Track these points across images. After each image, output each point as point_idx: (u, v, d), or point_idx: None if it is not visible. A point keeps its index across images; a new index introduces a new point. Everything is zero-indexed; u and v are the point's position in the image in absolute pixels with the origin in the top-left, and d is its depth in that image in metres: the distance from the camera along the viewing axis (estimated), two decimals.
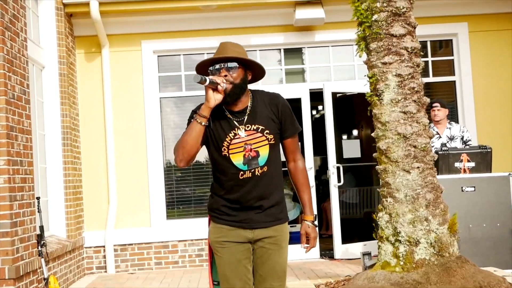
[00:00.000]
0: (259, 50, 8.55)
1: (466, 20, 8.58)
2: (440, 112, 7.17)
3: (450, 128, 7.22)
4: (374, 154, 5.66)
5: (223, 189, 3.17)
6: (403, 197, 5.32)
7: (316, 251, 8.27)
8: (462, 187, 6.27)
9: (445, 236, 5.24)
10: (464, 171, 6.42)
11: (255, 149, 3.09)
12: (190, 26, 8.28)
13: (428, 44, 8.72)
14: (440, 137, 7.16)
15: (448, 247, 5.21)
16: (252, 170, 3.09)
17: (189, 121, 3.16)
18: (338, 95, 8.30)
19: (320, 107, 12.31)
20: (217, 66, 3.09)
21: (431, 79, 8.68)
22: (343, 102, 8.66)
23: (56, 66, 7.46)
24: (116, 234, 8.01)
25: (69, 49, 7.80)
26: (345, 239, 8.07)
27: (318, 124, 9.36)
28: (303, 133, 8.35)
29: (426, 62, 8.61)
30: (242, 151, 3.08)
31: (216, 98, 3.00)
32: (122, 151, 8.19)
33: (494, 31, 8.57)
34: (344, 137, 9.86)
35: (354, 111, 9.21)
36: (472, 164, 6.42)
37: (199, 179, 8.44)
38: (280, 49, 8.63)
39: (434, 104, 7.16)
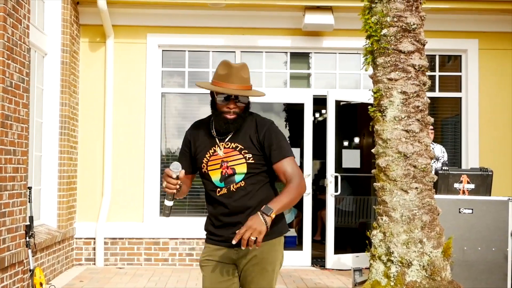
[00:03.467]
0: (265, 51, 8.45)
1: (477, 36, 8.47)
2: (432, 135, 7.02)
3: (433, 149, 7.12)
4: (373, 171, 5.56)
5: (208, 206, 3.21)
6: (399, 217, 5.23)
7: (307, 258, 8.18)
8: (459, 209, 6.18)
9: (439, 260, 5.15)
10: (463, 192, 6.33)
11: (231, 167, 3.08)
12: (197, 22, 8.18)
13: (437, 58, 8.61)
14: None
15: (440, 271, 5.13)
16: (227, 187, 3.09)
17: (181, 148, 3.28)
18: (342, 103, 8.21)
19: (323, 111, 12.22)
20: (225, 97, 3.05)
21: (437, 94, 8.58)
22: (346, 110, 8.56)
23: (59, 53, 7.37)
24: (107, 227, 7.93)
25: (73, 37, 7.71)
26: (338, 248, 7.99)
27: (320, 128, 9.25)
28: (304, 138, 8.27)
29: (433, 77, 8.51)
30: (219, 168, 3.10)
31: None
32: (119, 143, 8.10)
33: (505, 50, 8.46)
34: (345, 144, 9.77)
35: (357, 120, 9.12)
36: (472, 186, 6.32)
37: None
38: (286, 52, 8.52)
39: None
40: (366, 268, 6.07)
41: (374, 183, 5.50)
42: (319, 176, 11.52)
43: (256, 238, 2.75)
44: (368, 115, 5.61)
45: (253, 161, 3.08)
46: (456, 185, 6.32)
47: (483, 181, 6.33)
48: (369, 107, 5.55)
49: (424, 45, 5.51)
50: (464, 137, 8.43)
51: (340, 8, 7.98)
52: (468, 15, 8.29)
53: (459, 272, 5.99)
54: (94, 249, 7.94)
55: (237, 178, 3.08)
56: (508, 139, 8.35)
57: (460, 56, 8.61)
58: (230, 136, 3.11)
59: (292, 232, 9.14)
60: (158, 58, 8.26)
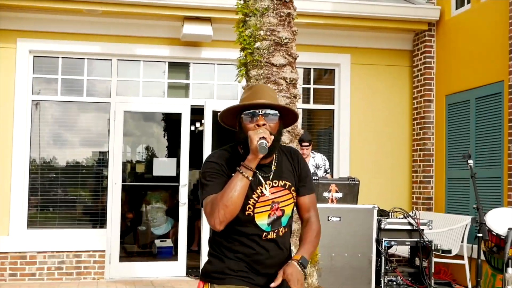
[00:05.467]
0: (143, 60, 8.37)
1: (349, 52, 8.84)
2: (308, 151, 7.13)
3: (314, 158, 7.34)
4: None
5: (239, 252, 2.72)
6: None
7: (182, 269, 8.17)
8: (328, 217, 6.41)
9: None
10: (332, 201, 6.58)
11: (281, 208, 2.73)
12: (72, 28, 7.96)
13: (312, 71, 8.89)
14: None
15: (307, 278, 5.30)
16: (276, 231, 2.73)
17: (211, 174, 2.68)
18: (219, 113, 8.27)
19: (204, 121, 12.26)
20: (253, 111, 2.66)
21: (311, 106, 8.85)
22: None
23: None
24: None
25: None
26: None
27: (201, 138, 9.28)
28: (180, 148, 8.27)
29: (308, 89, 8.79)
30: (268, 210, 2.71)
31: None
32: None
33: (374, 65, 8.89)
34: None
35: (234, 131, 9.23)
36: (340, 194, 6.58)
37: (67, 187, 8.12)
38: (165, 62, 8.48)
39: (304, 144, 6.94)
40: None
41: None
42: (198, 187, 11.54)
43: None
44: None
45: (295, 200, 2.81)
46: (325, 194, 6.55)
47: (350, 190, 6.61)
48: None
49: (295, 59, 5.69)
50: (336, 148, 8.76)
51: (219, 20, 8.06)
52: (341, 31, 8.65)
53: (328, 278, 6.20)
54: None
55: (284, 221, 2.75)
56: (375, 150, 8.78)
57: (334, 70, 8.95)
58: (273, 173, 2.75)
59: (168, 243, 9.07)
60: (28, 64, 7.93)
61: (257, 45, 5.52)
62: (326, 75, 9.19)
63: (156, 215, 9.40)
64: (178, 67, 8.59)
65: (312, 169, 7.30)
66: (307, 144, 7.07)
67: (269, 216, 2.70)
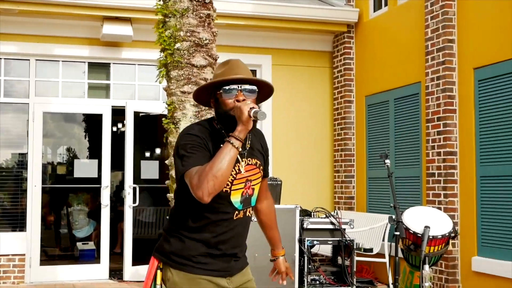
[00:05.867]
0: (62, 60, 8.17)
1: (270, 53, 8.92)
2: None
3: None
4: (167, 182, 5.63)
5: (205, 231, 2.68)
6: None
7: (105, 271, 8.04)
8: (252, 217, 6.44)
9: None
10: None
11: (252, 186, 2.72)
12: None
13: None
14: None
15: None
16: (245, 210, 2.72)
17: (193, 146, 2.59)
18: (141, 114, 8.19)
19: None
20: (232, 87, 2.62)
21: None
22: (147, 121, 8.55)
23: None
24: None
25: None
26: (137, 260, 7.94)
27: (122, 139, 9.16)
28: (102, 149, 8.14)
29: None
30: (242, 188, 2.68)
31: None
32: None
33: (295, 66, 9.01)
34: (147, 154, 9.72)
35: (157, 131, 9.16)
36: None
37: None
38: (85, 62, 8.31)
39: None
40: None
41: (168, 194, 5.56)
42: (121, 188, 11.37)
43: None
44: None
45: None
46: None
47: (273, 190, 6.67)
48: (163, 119, 5.61)
49: (216, 60, 5.69)
50: None
51: (139, 20, 7.97)
52: (262, 32, 8.72)
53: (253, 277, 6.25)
54: None
55: (253, 200, 2.76)
56: (298, 151, 8.90)
57: (255, 70, 9.01)
58: (248, 150, 2.73)
59: (90, 245, 8.91)
60: None
61: (177, 46, 5.48)
62: None
63: (78, 217, 9.22)
64: (98, 68, 8.44)
65: None
66: None
67: (242, 194, 2.68)
